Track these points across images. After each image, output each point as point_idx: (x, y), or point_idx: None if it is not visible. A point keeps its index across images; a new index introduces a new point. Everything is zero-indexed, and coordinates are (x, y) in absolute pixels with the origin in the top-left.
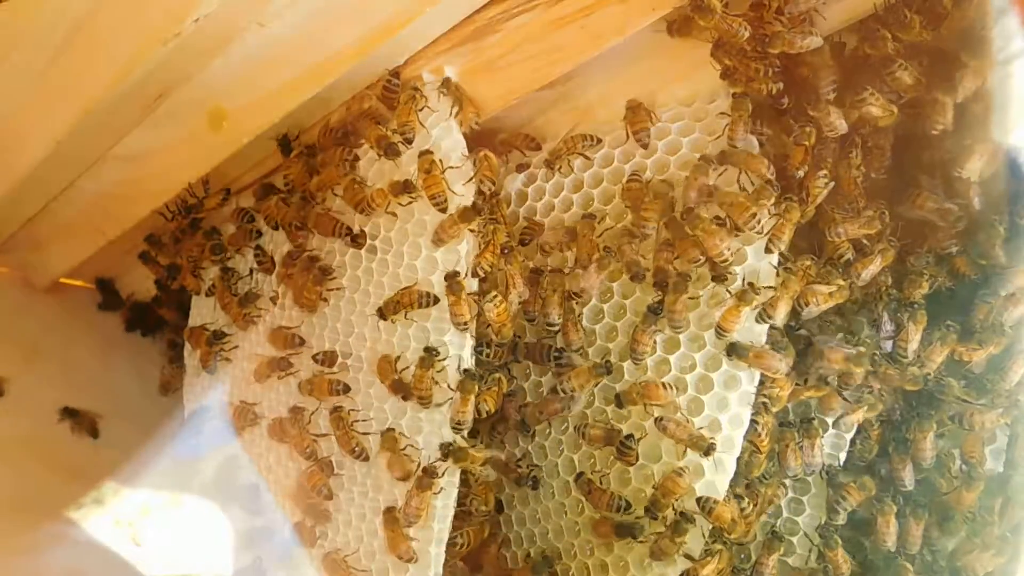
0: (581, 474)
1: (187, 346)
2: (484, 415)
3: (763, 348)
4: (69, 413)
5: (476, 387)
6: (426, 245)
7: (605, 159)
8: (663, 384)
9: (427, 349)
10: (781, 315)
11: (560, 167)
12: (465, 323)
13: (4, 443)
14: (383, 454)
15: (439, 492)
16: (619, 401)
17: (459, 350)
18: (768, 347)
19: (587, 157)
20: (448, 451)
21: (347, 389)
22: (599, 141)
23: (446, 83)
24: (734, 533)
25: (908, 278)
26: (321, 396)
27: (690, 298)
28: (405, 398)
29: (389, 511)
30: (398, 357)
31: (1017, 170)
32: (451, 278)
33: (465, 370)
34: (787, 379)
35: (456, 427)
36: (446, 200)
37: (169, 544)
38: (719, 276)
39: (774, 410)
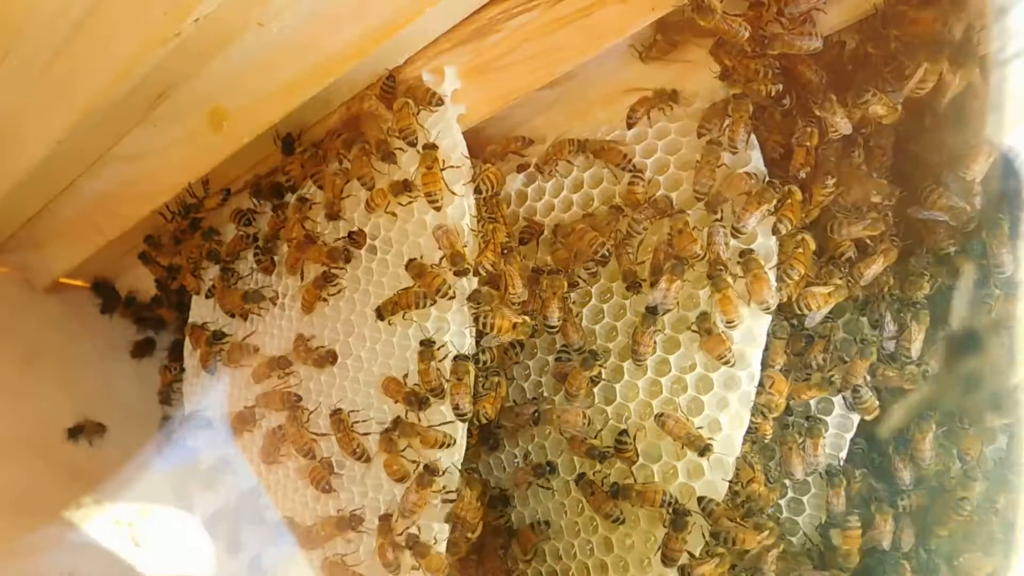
0: (583, 475)
1: (187, 346)
2: (484, 420)
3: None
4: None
5: (471, 368)
6: (426, 245)
7: None
8: (583, 412)
9: (422, 343)
10: (794, 221)
11: (549, 171)
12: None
13: (4, 443)
14: (381, 455)
15: (439, 491)
16: (536, 419)
17: (460, 350)
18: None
19: (570, 163)
20: (396, 423)
21: (299, 399)
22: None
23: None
24: (736, 533)
25: (909, 279)
26: (274, 408)
27: (685, 281)
28: (422, 406)
29: (383, 519)
30: (405, 375)
31: (1015, 170)
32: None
33: (458, 355)
34: (785, 382)
35: (457, 412)
36: (441, 199)
37: (169, 544)
38: (714, 276)
39: (772, 416)
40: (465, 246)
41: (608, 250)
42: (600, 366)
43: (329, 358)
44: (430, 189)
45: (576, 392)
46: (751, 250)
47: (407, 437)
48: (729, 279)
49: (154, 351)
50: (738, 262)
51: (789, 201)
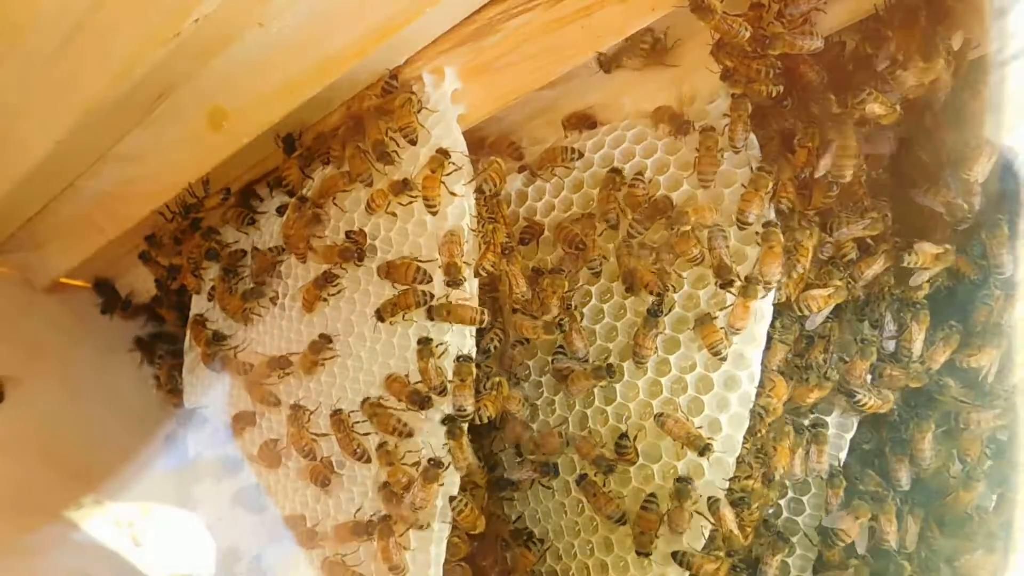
0: (584, 475)
1: (187, 343)
2: (485, 420)
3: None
4: None
5: (473, 370)
6: (426, 245)
7: (605, 159)
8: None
9: (420, 340)
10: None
11: (544, 177)
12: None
13: (4, 443)
14: (383, 469)
15: (444, 485)
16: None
17: (462, 350)
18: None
19: (567, 168)
20: (366, 405)
21: (277, 403)
22: (581, 155)
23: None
24: (733, 541)
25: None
26: (256, 399)
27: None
28: (424, 405)
29: (384, 520)
30: (407, 376)
31: (1015, 170)
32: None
33: (461, 356)
34: (786, 386)
35: (459, 413)
36: (438, 204)
37: (169, 544)
38: (725, 282)
39: (768, 420)
40: (463, 258)
41: (584, 242)
42: (610, 380)
43: (323, 340)
44: (428, 193)
45: (578, 394)
46: (776, 223)
47: (378, 419)
48: (761, 290)
49: (154, 351)
50: (758, 232)
51: (781, 182)
